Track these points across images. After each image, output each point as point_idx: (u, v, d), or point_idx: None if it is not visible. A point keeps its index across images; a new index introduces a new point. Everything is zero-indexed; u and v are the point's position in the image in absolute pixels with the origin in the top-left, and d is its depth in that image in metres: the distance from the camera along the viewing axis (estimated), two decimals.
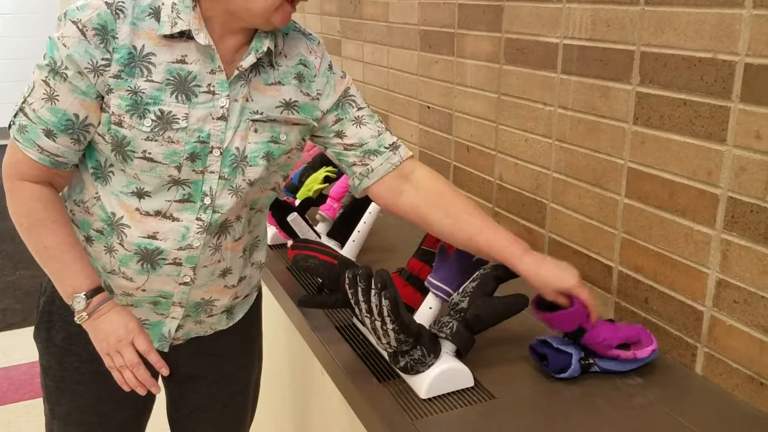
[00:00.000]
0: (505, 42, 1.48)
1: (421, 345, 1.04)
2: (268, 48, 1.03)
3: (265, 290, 1.53)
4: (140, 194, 1.05)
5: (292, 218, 1.48)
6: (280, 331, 1.57)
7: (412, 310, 1.22)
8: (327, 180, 1.71)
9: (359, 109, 1.14)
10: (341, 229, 1.59)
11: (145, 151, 1.00)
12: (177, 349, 1.18)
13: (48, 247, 1.06)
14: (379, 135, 1.14)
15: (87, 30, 0.96)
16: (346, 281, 1.05)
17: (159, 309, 1.14)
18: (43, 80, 0.99)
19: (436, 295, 1.18)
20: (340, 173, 1.76)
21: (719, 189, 1.01)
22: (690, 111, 1.03)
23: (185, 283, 1.11)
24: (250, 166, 1.06)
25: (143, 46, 0.99)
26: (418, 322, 1.07)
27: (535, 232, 1.45)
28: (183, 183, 1.04)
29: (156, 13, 0.99)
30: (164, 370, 1.11)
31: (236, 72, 1.02)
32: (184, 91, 1.01)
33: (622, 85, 1.16)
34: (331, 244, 1.53)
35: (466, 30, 1.62)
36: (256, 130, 1.06)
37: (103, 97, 1.00)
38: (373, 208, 1.53)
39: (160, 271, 1.08)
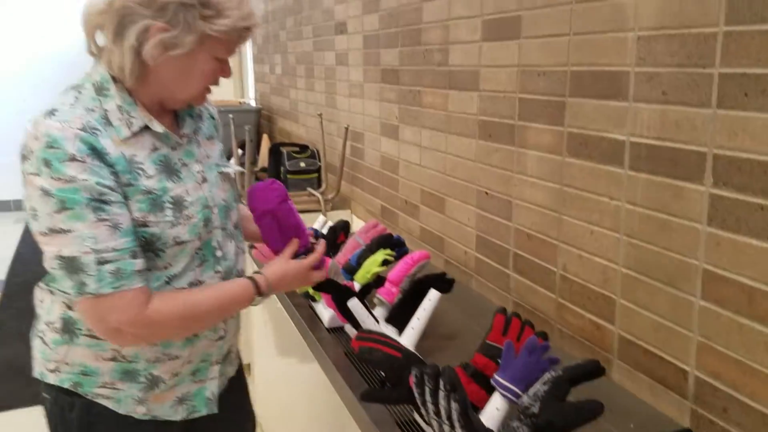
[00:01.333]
0: (568, 135, 1.49)
1: None
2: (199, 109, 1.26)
3: (322, 377, 1.53)
4: (170, 280, 1.14)
5: (353, 304, 1.48)
6: (339, 421, 1.54)
7: (477, 409, 1.19)
8: (385, 263, 1.71)
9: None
10: (400, 315, 1.57)
11: (175, 238, 1.12)
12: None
13: (211, 309, 1.16)
14: None
15: (85, 159, 1.02)
16: (413, 379, 1.04)
17: (198, 377, 1.25)
18: (95, 221, 1.01)
19: (504, 396, 1.15)
20: (398, 256, 1.77)
21: None
22: (767, 216, 1.01)
23: (221, 337, 1.26)
24: (232, 210, 1.26)
25: (127, 153, 1.08)
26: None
27: (603, 327, 1.42)
28: (202, 250, 1.18)
29: (107, 121, 1.08)
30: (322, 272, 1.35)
31: (185, 139, 1.19)
32: (173, 173, 1.14)
33: (694, 186, 1.15)
34: (389, 329, 1.52)
35: (526, 122, 1.64)
36: (223, 179, 1.26)
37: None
38: (433, 294, 1.52)
39: (203, 335, 1.22)
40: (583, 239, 1.47)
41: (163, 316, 1.09)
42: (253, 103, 5.39)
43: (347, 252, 1.87)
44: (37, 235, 1.04)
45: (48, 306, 1.19)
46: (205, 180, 1.19)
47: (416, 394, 1.02)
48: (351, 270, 1.75)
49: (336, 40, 3.08)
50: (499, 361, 1.21)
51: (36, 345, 1.24)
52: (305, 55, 3.65)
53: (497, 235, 1.83)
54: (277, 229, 1.30)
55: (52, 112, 1.05)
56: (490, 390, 1.20)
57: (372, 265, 1.69)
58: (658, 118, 1.22)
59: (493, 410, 1.16)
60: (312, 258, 1.31)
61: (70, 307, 1.15)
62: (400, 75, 2.36)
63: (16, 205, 6.45)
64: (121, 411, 1.19)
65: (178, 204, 1.12)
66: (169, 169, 1.13)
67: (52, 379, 1.21)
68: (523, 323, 1.33)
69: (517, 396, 1.13)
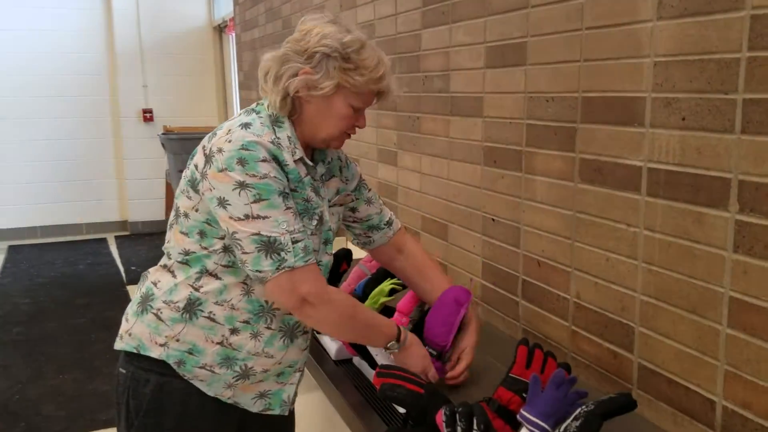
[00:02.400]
0: (580, 162, 1.48)
1: None
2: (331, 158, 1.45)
3: (336, 417, 1.47)
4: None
5: None
6: None
7: None
8: (392, 292, 1.68)
9: (369, 191, 1.55)
10: None
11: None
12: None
13: (366, 321, 1.33)
14: (380, 212, 1.55)
15: (271, 163, 1.22)
16: (443, 418, 1.00)
17: (281, 379, 1.39)
18: (285, 210, 1.21)
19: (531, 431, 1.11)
20: (405, 285, 1.73)
21: None
22: None
23: (305, 349, 1.41)
24: (332, 240, 1.42)
25: (294, 169, 1.28)
26: None
27: (621, 356, 1.39)
28: (319, 264, 1.31)
29: (280, 145, 1.28)
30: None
31: (319, 179, 1.39)
32: (318, 195, 1.35)
33: (718, 212, 1.14)
34: None
35: (535, 148, 1.63)
36: (332, 214, 1.43)
37: None
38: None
39: (296, 342, 1.36)
40: (598, 266, 1.45)
41: (337, 299, 1.28)
42: None
43: (352, 281, 1.83)
44: (228, 221, 1.21)
45: (170, 287, 1.31)
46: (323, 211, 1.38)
47: None
48: (358, 299, 1.71)
49: None
50: (525, 395, 1.17)
51: (147, 319, 1.33)
52: None
53: (505, 263, 1.80)
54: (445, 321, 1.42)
55: (246, 125, 1.26)
56: (515, 425, 1.16)
57: (379, 295, 1.65)
58: (678, 144, 1.21)
59: None
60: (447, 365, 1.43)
61: (197, 289, 1.29)
62: (398, 101, 2.35)
63: None
64: (210, 393, 1.32)
65: (321, 219, 1.33)
66: (316, 191, 1.35)
67: (156, 352, 1.30)
68: (546, 354, 1.30)
69: None
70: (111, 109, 6.51)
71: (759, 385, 1.09)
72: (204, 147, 1.28)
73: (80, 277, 5.22)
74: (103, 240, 6.43)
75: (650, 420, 1.32)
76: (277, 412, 1.39)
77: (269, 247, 1.19)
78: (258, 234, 1.19)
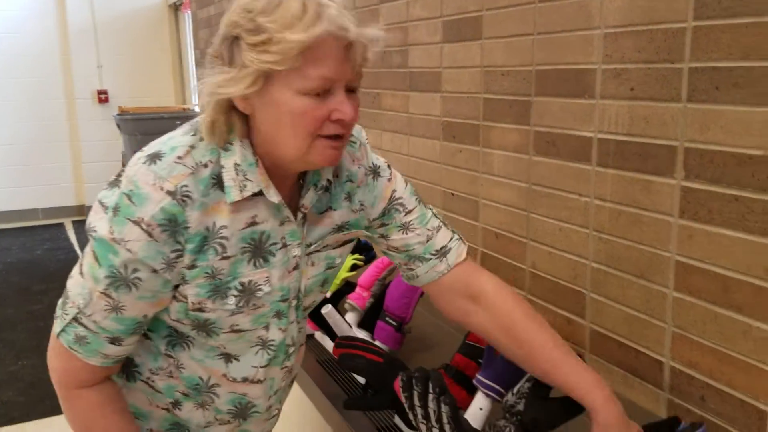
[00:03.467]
0: (534, 134, 1.50)
1: None
2: (327, 179, 0.96)
3: (296, 389, 1.48)
4: (228, 358, 0.99)
5: (327, 311, 1.45)
6: None
7: (460, 410, 1.17)
8: (354, 268, 1.69)
9: (407, 213, 1.05)
10: (372, 320, 1.55)
11: (232, 325, 0.94)
12: None
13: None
14: (427, 241, 1.05)
15: (153, 229, 0.84)
16: (400, 384, 1.02)
17: None
18: (102, 292, 0.87)
19: (487, 395, 1.14)
20: (367, 260, 1.74)
21: None
22: (742, 207, 1.04)
23: (275, 416, 1.14)
24: (306, 296, 1.02)
25: (214, 223, 0.88)
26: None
27: (574, 322, 1.43)
28: (269, 345, 0.99)
29: (219, 182, 0.87)
30: None
31: (300, 214, 0.95)
32: (262, 254, 0.93)
33: (665, 179, 1.17)
34: (362, 334, 1.50)
35: (491, 122, 1.65)
36: (312, 263, 1.00)
37: (177, 286, 0.90)
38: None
39: (255, 417, 1.07)
40: (552, 236, 1.48)
41: (74, 407, 0.98)
42: (197, 109, 5.27)
43: None
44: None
45: None
46: (296, 267, 0.97)
47: (404, 399, 1.00)
48: None
49: None
50: (481, 361, 1.20)
51: None
52: None
53: (465, 236, 1.82)
54: None
55: (156, 157, 0.86)
56: (471, 390, 1.19)
57: (341, 271, 1.66)
58: (627, 114, 1.24)
59: (477, 410, 1.15)
60: None
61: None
62: None
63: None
64: None
65: (247, 292, 0.93)
66: (258, 250, 0.93)
67: None
68: None
69: (501, 395, 1.13)
70: (65, 90, 6.32)
71: (704, 345, 1.14)
72: (120, 171, 0.92)
73: (38, 263, 5.10)
74: (61, 225, 6.28)
75: None
76: None
77: (63, 298, 0.93)
78: (70, 277, 0.93)
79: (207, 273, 0.89)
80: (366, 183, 1.04)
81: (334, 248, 1.02)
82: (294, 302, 0.99)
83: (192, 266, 0.88)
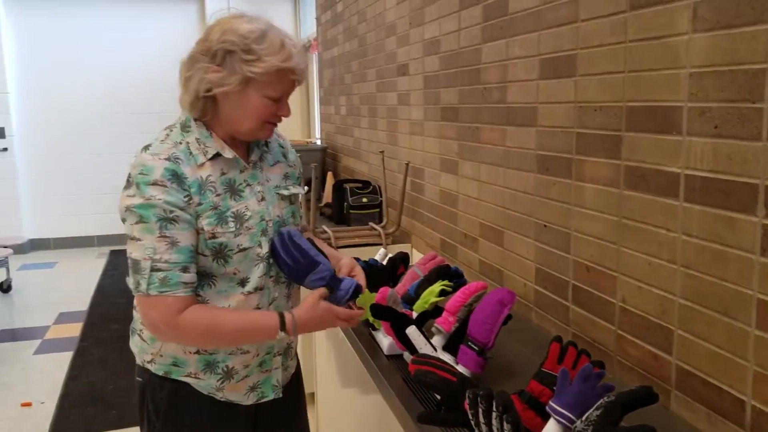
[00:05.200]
0: (625, 169, 1.52)
1: None
2: (265, 142, 1.51)
3: (380, 400, 1.58)
4: (243, 282, 1.40)
5: (411, 331, 1.54)
6: None
7: None
8: (443, 293, 1.77)
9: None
10: (457, 344, 1.62)
11: (238, 245, 1.36)
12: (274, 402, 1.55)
13: (234, 330, 1.35)
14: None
15: (165, 183, 1.27)
16: (467, 401, 1.08)
17: (265, 367, 1.50)
18: (159, 237, 1.26)
19: (558, 422, 1.17)
20: (456, 287, 1.82)
21: None
22: None
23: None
24: (286, 225, 1.48)
25: (201, 176, 1.34)
26: None
27: (661, 358, 1.42)
28: (263, 257, 1.41)
29: (189, 151, 1.34)
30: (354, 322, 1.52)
31: (251, 164, 1.44)
32: (236, 192, 1.39)
33: (747, 217, 1.17)
34: (447, 357, 1.57)
35: (584, 156, 1.69)
36: (281, 200, 1.49)
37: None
38: None
39: None
40: (641, 270, 1.49)
41: (189, 325, 1.30)
42: (319, 143, 5.59)
43: (406, 283, 1.93)
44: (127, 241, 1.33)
45: None
46: (263, 198, 1.43)
47: (469, 415, 1.06)
48: (409, 300, 1.81)
49: (398, 81, 3.21)
50: (555, 388, 1.24)
51: (134, 342, 1.50)
52: (369, 96, 3.80)
53: (556, 268, 1.85)
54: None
55: (147, 147, 1.35)
56: (545, 417, 1.23)
57: (430, 296, 1.75)
58: (711, 152, 1.25)
59: None
60: (342, 311, 1.45)
61: None
62: (460, 112, 2.44)
63: (100, 241, 6.84)
64: (205, 393, 1.44)
65: (238, 218, 1.36)
66: (233, 190, 1.38)
67: (151, 367, 1.46)
68: (579, 352, 1.36)
69: (572, 422, 1.16)
70: None
71: None
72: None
73: None
74: None
75: (688, 420, 1.35)
76: (271, 397, 1.52)
77: (134, 267, 1.28)
78: (130, 254, 1.29)
79: (210, 206, 1.33)
80: (290, 150, 1.61)
81: (287, 190, 1.52)
82: (271, 224, 1.44)
83: (199, 203, 1.31)
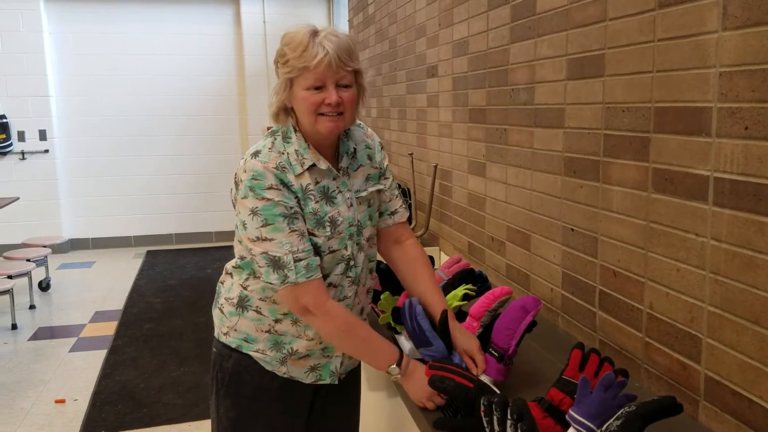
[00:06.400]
0: (653, 171, 1.48)
1: None
2: (353, 148, 1.57)
3: (398, 404, 1.57)
4: (324, 277, 1.47)
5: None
6: None
7: None
8: (466, 297, 1.74)
9: (386, 178, 1.66)
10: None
11: (329, 248, 1.48)
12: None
13: (364, 339, 1.47)
14: (389, 201, 1.66)
15: (278, 187, 1.40)
16: (482, 408, 1.06)
17: (326, 352, 1.58)
18: (290, 232, 1.40)
19: (578, 431, 1.14)
20: (480, 291, 1.79)
21: None
22: None
23: None
24: (364, 228, 1.57)
25: (301, 184, 1.44)
26: None
27: (689, 367, 1.38)
28: (346, 258, 1.51)
29: (290, 161, 1.45)
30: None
31: (342, 173, 1.53)
32: (329, 199, 1.49)
33: None
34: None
35: (611, 158, 1.64)
36: (360, 203, 1.56)
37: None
38: None
39: None
40: (669, 276, 1.44)
41: (336, 314, 1.44)
42: None
43: None
44: (246, 241, 1.44)
45: (229, 286, 1.58)
46: (352, 204, 1.53)
47: (484, 422, 1.04)
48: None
49: (427, 83, 3.19)
50: (575, 396, 1.21)
51: (216, 314, 1.64)
52: (399, 98, 3.79)
53: (583, 272, 1.81)
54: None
55: (256, 154, 1.45)
56: (565, 426, 1.20)
57: (453, 299, 1.72)
58: (741, 154, 1.20)
59: None
60: (437, 399, 1.42)
61: (245, 288, 1.53)
62: (487, 114, 2.41)
63: (137, 241, 6.98)
64: (268, 368, 1.55)
65: (333, 223, 1.47)
66: (327, 197, 1.48)
67: (224, 339, 1.59)
68: (602, 359, 1.32)
69: (591, 431, 1.12)
70: (239, 127, 7.03)
71: None
72: (235, 174, 1.47)
73: (207, 280, 5.66)
74: (230, 247, 6.91)
75: None
76: (327, 381, 1.60)
77: (275, 264, 1.39)
78: (266, 253, 1.40)
79: (310, 212, 1.44)
80: (378, 150, 1.64)
81: (370, 194, 1.58)
82: (355, 228, 1.53)
83: (304, 207, 1.44)
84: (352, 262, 1.54)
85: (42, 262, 5.21)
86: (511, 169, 2.22)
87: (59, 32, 6.64)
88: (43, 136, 6.62)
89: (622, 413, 1.08)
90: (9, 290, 4.32)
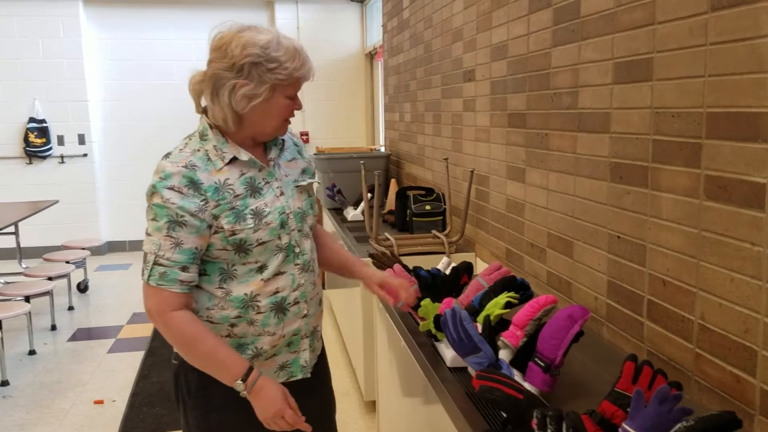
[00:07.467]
0: (705, 178, 1.44)
1: None
2: (281, 139, 1.61)
3: (441, 413, 1.54)
4: (261, 269, 1.50)
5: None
6: None
7: None
8: (508, 305, 1.71)
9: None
10: (525, 359, 1.57)
11: (258, 239, 1.47)
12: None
13: (206, 353, 1.42)
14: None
15: (181, 189, 1.39)
16: (534, 421, 1.04)
17: (293, 348, 1.59)
18: (165, 236, 1.39)
19: None
20: (523, 299, 1.76)
21: None
22: None
23: (305, 316, 1.58)
24: (307, 215, 1.60)
25: (219, 179, 1.44)
26: None
27: (744, 380, 1.33)
28: (283, 247, 1.52)
29: (208, 158, 1.45)
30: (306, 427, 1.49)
31: (271, 163, 1.55)
32: (255, 190, 1.49)
33: None
34: (514, 373, 1.52)
35: (660, 164, 1.60)
36: (301, 192, 1.59)
37: (211, 226, 1.43)
38: None
39: (289, 315, 1.54)
40: (723, 287, 1.40)
41: (175, 325, 1.41)
42: (382, 150, 5.59)
43: (470, 293, 1.89)
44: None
45: None
46: (282, 193, 1.54)
47: None
48: (473, 311, 1.77)
49: (464, 87, 3.16)
50: (628, 410, 1.17)
51: None
52: (433, 102, 3.77)
53: (630, 281, 1.77)
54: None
55: (167, 155, 1.46)
56: None
57: (494, 307, 1.70)
58: None
59: None
60: (295, 406, 1.47)
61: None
62: (527, 119, 2.38)
63: None
64: None
65: (258, 214, 1.47)
66: (253, 188, 1.49)
67: None
68: (655, 372, 1.28)
69: None
70: None
71: None
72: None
73: None
74: None
75: None
76: (300, 376, 1.61)
77: (144, 258, 1.42)
78: (142, 247, 1.44)
79: (228, 206, 1.43)
80: (304, 148, 1.71)
81: (305, 182, 1.63)
82: (291, 216, 1.54)
83: (217, 205, 1.42)
84: (297, 250, 1.55)
85: (81, 264, 5.31)
86: (553, 175, 2.19)
87: (98, 38, 6.77)
88: (81, 140, 6.76)
89: (679, 428, 1.05)
90: (49, 291, 4.40)
